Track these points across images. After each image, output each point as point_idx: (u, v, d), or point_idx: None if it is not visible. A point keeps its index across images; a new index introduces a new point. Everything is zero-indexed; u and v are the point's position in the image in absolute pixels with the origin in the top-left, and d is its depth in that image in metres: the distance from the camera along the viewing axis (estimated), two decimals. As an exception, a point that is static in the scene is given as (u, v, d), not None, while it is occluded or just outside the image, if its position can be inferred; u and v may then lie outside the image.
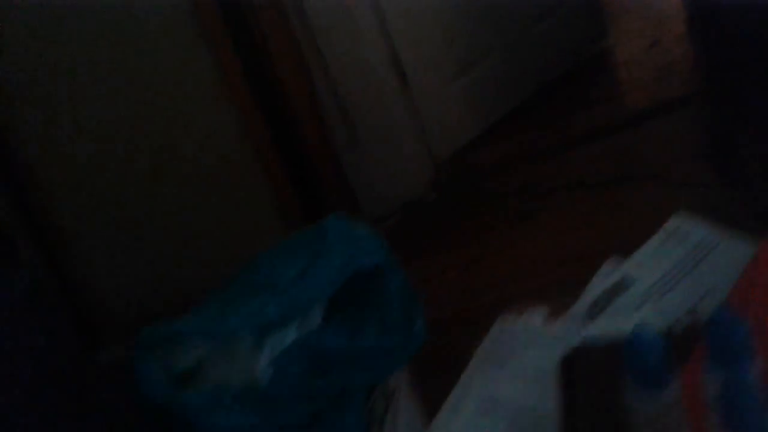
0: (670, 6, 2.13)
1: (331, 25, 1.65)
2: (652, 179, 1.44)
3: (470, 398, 0.57)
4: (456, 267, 1.48)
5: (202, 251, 1.60)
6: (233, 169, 1.57)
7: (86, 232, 1.55)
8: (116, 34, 1.44)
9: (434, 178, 1.89)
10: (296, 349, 1.01)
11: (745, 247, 0.65)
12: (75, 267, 1.57)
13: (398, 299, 1.09)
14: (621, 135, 1.77)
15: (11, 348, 0.88)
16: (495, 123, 1.99)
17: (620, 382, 0.40)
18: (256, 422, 0.94)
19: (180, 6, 1.43)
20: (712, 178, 1.29)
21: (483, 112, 1.97)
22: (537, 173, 1.75)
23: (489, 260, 1.46)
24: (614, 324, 0.56)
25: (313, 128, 1.62)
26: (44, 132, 1.48)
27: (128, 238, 1.58)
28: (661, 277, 0.58)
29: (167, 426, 0.97)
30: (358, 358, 0.98)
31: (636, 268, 0.58)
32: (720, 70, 1.75)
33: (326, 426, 0.97)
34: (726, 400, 0.38)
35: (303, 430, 0.99)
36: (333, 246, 1.05)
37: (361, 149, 1.76)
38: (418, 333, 1.03)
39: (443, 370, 1.01)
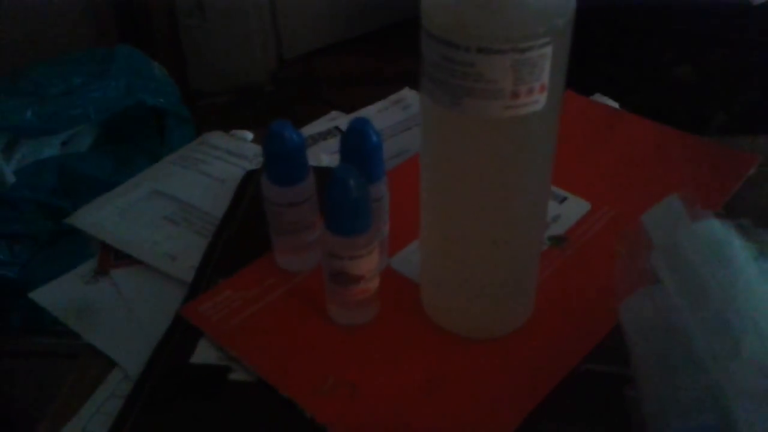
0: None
1: None
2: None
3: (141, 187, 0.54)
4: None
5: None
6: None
7: None
8: None
9: (277, 71, 1.84)
10: (51, 164, 0.94)
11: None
12: None
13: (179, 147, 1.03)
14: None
15: None
16: (352, 38, 1.95)
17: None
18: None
19: None
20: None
21: (341, 23, 1.93)
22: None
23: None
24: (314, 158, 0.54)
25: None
26: None
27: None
28: (380, 130, 0.57)
29: None
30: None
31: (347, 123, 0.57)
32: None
33: (60, 253, 0.91)
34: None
35: (39, 247, 0.93)
36: (116, 72, 0.98)
37: (207, 22, 1.68)
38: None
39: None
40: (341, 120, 0.62)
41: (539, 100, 0.34)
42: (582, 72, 1.72)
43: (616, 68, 1.66)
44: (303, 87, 1.83)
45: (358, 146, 0.41)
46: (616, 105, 0.63)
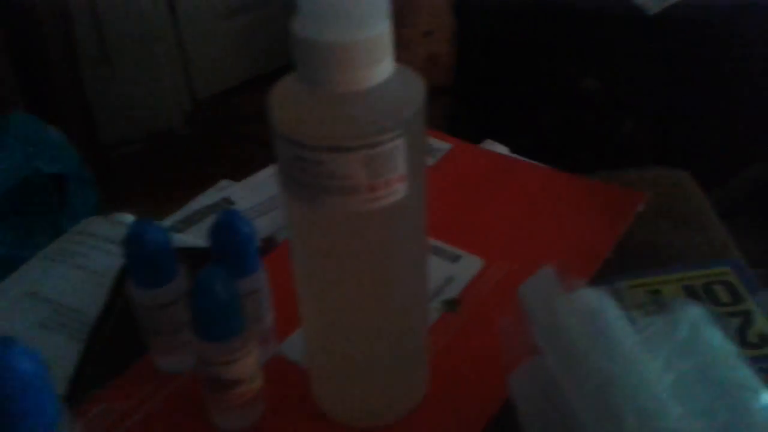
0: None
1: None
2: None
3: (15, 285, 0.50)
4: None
5: None
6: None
7: None
8: None
9: (192, 113, 1.80)
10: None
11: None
12: None
13: (82, 214, 0.99)
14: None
15: None
16: (267, 73, 1.93)
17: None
18: None
19: None
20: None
21: (254, 58, 1.91)
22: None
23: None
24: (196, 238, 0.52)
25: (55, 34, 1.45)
26: None
27: None
28: (258, 203, 0.55)
29: None
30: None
31: (238, 192, 0.55)
32: (471, 66, 1.83)
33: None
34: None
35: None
36: (10, 142, 0.94)
37: (113, 70, 1.63)
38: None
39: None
40: (231, 189, 0.60)
41: (399, 190, 0.32)
42: (488, 94, 1.74)
43: (525, 86, 1.69)
44: (220, 126, 1.80)
45: (228, 241, 0.39)
46: (506, 150, 0.63)
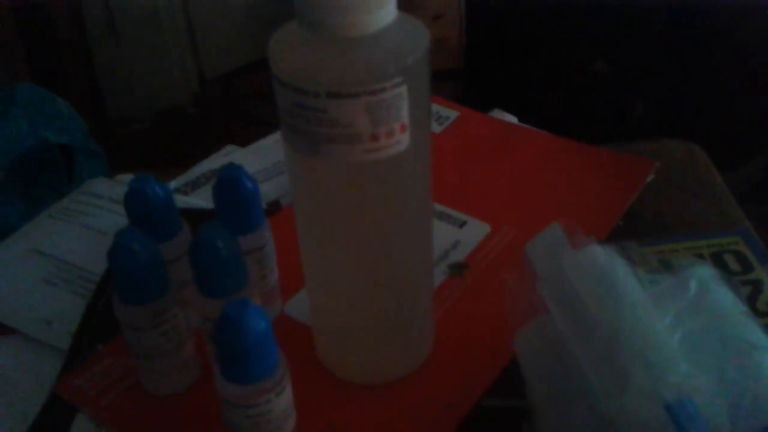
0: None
1: None
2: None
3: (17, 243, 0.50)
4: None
5: None
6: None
7: None
8: None
9: (199, 92, 1.79)
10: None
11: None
12: None
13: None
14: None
15: None
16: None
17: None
18: None
19: None
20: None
21: (262, 38, 1.89)
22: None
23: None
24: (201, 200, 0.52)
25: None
26: None
27: None
28: (263, 169, 0.54)
29: None
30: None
31: (244, 158, 0.55)
32: (479, 49, 1.82)
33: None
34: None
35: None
36: (17, 113, 0.93)
37: (121, 47, 1.62)
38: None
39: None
40: (237, 154, 0.59)
41: (402, 141, 0.32)
42: (497, 77, 1.72)
43: (535, 69, 1.67)
44: (228, 106, 1.79)
45: (231, 196, 0.38)
46: (515, 119, 0.62)
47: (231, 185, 0.38)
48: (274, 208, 0.52)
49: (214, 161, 0.58)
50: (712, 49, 1.42)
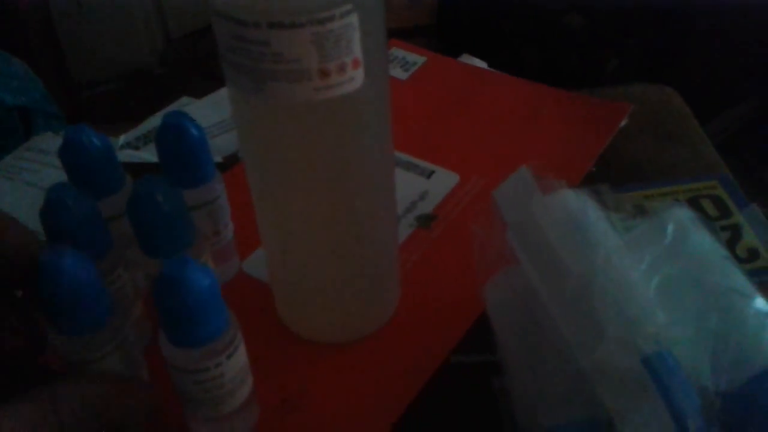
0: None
1: None
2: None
3: None
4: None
5: None
6: None
7: None
8: None
9: (165, 52, 1.73)
10: None
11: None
12: None
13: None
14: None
15: None
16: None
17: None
18: None
19: None
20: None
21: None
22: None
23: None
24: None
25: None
26: None
27: None
28: (221, 121, 0.51)
29: None
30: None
31: (199, 110, 0.51)
32: (454, 5, 1.77)
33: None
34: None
35: None
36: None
37: (84, 8, 1.56)
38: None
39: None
40: (192, 106, 0.55)
41: (355, 77, 0.29)
42: (470, 33, 1.68)
43: (509, 24, 1.63)
44: (194, 65, 1.73)
45: (176, 146, 0.35)
46: (484, 65, 0.59)
47: (174, 134, 0.34)
48: (232, 161, 0.49)
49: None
50: (685, 5, 1.39)
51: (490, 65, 0.59)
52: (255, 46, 0.27)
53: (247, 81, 0.28)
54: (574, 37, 1.58)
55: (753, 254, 0.43)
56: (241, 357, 0.30)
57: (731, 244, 0.44)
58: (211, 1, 0.27)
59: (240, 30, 0.27)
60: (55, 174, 0.47)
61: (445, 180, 0.47)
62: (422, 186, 0.46)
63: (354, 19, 0.27)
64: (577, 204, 0.32)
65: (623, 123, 0.51)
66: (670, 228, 0.32)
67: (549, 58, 1.61)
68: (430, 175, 0.47)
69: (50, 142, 0.51)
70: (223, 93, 0.56)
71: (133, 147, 0.50)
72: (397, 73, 0.57)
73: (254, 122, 0.31)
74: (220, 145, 0.50)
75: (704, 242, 0.33)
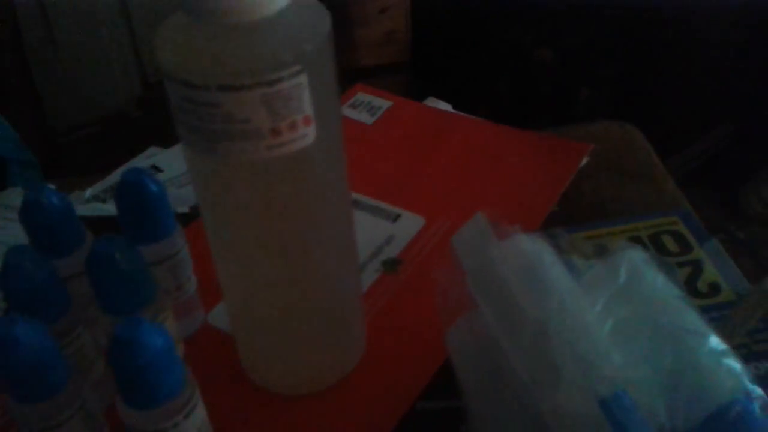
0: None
1: None
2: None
3: None
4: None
5: None
6: None
7: None
8: None
9: (143, 95, 1.74)
10: None
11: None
12: None
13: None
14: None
15: None
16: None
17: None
18: None
19: None
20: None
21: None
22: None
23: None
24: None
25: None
26: None
27: None
28: (182, 174, 0.51)
29: None
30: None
31: (168, 159, 0.51)
32: (428, 41, 1.80)
33: None
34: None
35: None
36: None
37: (60, 53, 1.56)
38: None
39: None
40: (160, 156, 0.56)
41: (307, 134, 0.29)
42: (445, 68, 1.70)
43: (482, 58, 1.66)
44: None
45: (135, 202, 0.35)
46: (449, 107, 0.60)
47: (133, 191, 0.35)
48: (197, 212, 0.49)
49: (137, 164, 0.55)
50: (655, 36, 1.43)
51: (462, 100, 0.60)
52: (206, 108, 0.28)
53: (200, 140, 0.29)
54: (546, 70, 1.61)
55: (714, 288, 0.43)
56: (199, 414, 0.30)
57: (692, 280, 0.44)
58: (162, 64, 0.28)
59: (190, 92, 0.27)
60: (20, 231, 0.47)
61: (411, 224, 0.47)
62: (388, 230, 0.47)
63: (303, 78, 0.28)
64: (532, 249, 0.32)
65: (584, 162, 0.52)
66: (623, 270, 0.33)
67: (522, 90, 1.64)
68: (396, 218, 0.48)
69: (17, 198, 0.51)
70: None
71: (100, 200, 0.51)
72: (364, 117, 0.57)
73: (209, 179, 0.31)
74: (188, 195, 0.51)
75: (657, 283, 0.33)
